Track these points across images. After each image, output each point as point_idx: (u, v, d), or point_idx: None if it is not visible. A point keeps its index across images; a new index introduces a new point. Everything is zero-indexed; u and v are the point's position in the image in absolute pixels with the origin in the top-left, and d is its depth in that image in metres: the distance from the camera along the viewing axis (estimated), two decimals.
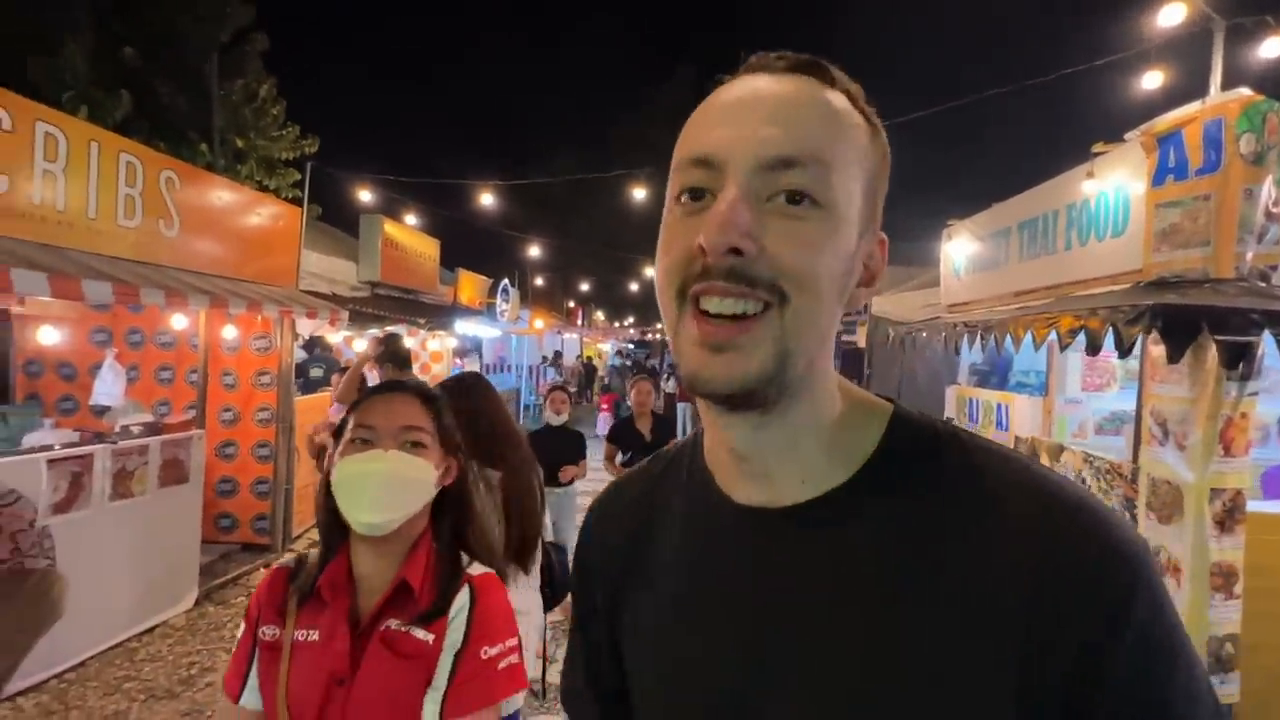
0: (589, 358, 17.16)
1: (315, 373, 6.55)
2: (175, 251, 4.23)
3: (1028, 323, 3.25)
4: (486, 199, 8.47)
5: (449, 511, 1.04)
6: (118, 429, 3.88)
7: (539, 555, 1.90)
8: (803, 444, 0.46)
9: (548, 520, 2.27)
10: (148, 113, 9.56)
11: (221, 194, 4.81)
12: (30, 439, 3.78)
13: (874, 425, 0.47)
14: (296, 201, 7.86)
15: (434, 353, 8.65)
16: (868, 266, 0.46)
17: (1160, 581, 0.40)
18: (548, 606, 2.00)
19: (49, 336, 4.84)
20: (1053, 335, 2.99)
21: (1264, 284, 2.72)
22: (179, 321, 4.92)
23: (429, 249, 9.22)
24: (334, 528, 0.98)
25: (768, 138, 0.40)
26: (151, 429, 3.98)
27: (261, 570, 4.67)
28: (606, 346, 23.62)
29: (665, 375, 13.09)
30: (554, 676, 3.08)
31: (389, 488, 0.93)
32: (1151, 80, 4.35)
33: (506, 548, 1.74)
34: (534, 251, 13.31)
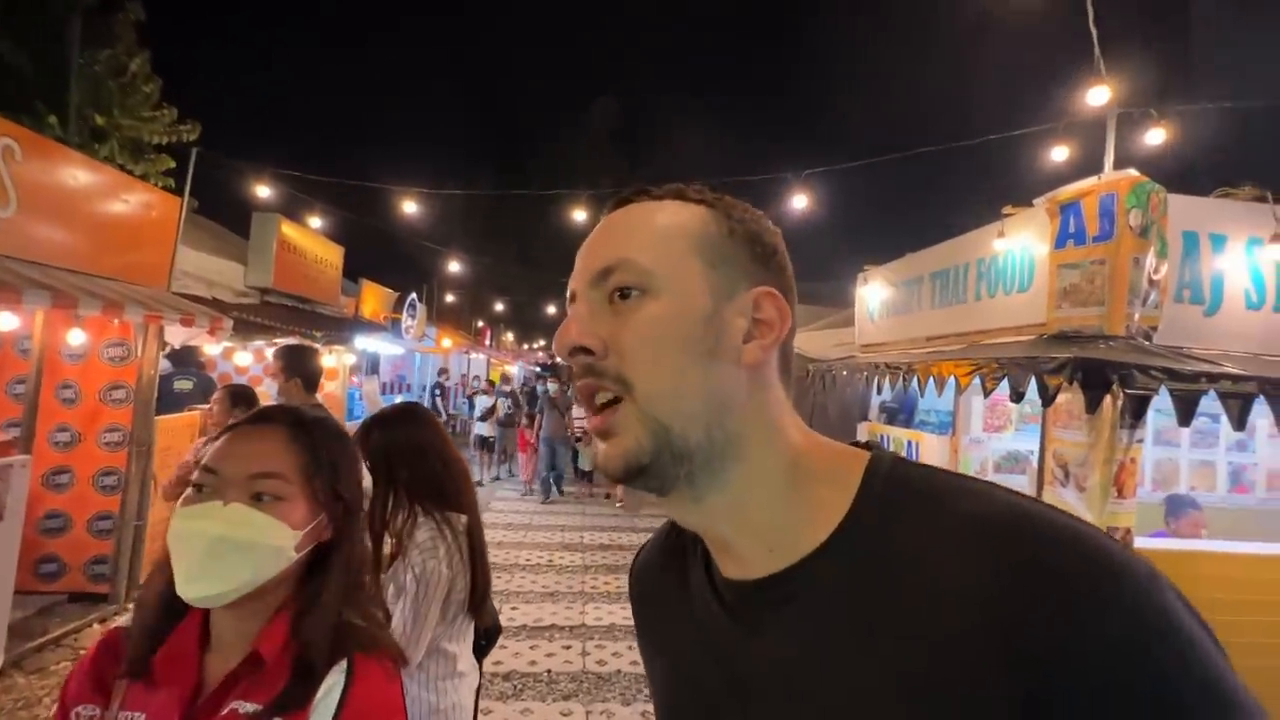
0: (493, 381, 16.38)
1: (182, 385, 5.63)
2: (9, 236, 3.49)
3: (950, 367, 3.43)
4: (405, 207, 7.86)
5: (323, 571, 0.80)
6: None
7: None
8: (754, 512, 0.46)
9: None
10: None
11: (77, 173, 4.06)
12: None
13: (849, 480, 0.46)
14: (169, 191, 6.85)
15: (328, 369, 7.85)
16: (758, 320, 0.48)
17: (1164, 601, 0.36)
18: (479, 658, 1.75)
19: None
20: (977, 380, 3.16)
21: (1147, 342, 3.04)
22: (7, 321, 4.05)
23: (331, 256, 8.45)
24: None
25: (591, 262, 0.49)
26: None
27: (96, 627, 3.85)
28: (514, 369, 22.91)
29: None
30: None
31: (218, 554, 0.72)
32: (1058, 154, 4.92)
33: (470, 599, 1.57)
34: (451, 267, 12.57)
